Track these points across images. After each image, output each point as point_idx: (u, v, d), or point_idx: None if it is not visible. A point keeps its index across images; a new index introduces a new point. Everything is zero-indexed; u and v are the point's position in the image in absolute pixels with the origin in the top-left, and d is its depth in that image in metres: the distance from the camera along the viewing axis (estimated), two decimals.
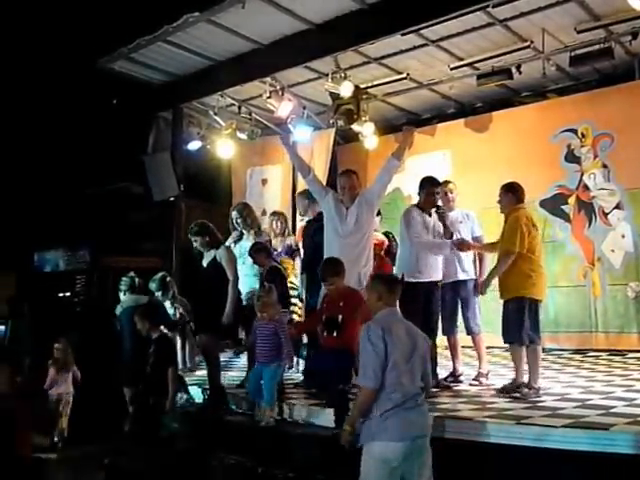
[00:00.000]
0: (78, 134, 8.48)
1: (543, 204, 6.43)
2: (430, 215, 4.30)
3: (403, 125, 5.16)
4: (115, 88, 7.07)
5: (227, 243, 4.93)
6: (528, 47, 5.78)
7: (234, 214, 5.01)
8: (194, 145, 7.28)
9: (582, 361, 5.44)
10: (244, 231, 4.96)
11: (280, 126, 6.99)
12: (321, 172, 7.26)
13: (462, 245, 4.20)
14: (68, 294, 7.79)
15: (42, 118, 8.46)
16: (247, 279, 4.72)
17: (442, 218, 4.28)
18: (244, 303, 4.62)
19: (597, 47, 5.54)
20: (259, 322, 3.91)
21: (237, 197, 7.80)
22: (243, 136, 7.40)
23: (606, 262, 5.99)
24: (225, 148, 7.24)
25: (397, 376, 2.49)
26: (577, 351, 5.87)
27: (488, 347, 5.07)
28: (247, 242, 4.89)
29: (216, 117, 7.14)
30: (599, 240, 6.06)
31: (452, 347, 4.46)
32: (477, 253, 4.53)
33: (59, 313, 7.59)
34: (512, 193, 4.01)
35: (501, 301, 3.97)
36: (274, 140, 7.74)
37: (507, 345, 4.01)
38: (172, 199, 7.02)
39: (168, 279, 5.20)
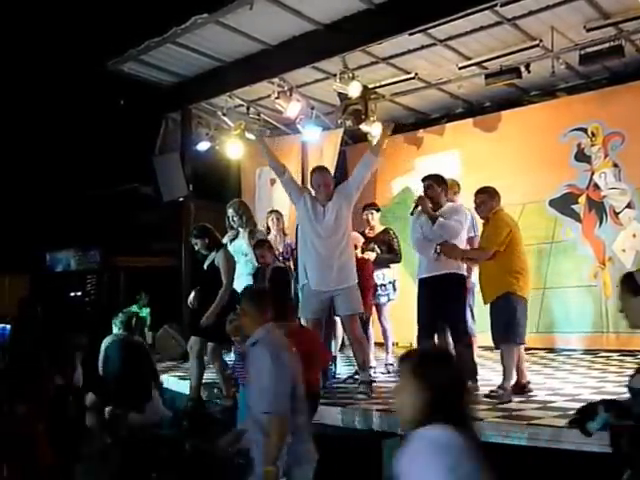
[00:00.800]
0: (88, 136, 8.56)
1: (552, 204, 6.40)
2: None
3: (383, 122, 5.14)
4: (124, 90, 7.14)
5: (224, 241, 4.93)
6: (537, 46, 5.73)
7: (230, 212, 5.00)
8: (203, 146, 7.32)
9: (593, 361, 5.40)
10: (240, 229, 4.96)
11: (289, 126, 6.99)
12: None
13: (445, 249, 4.01)
14: (79, 293, 7.88)
15: (53, 121, 8.55)
16: (242, 278, 4.73)
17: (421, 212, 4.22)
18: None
19: (607, 45, 5.48)
20: (235, 345, 3.76)
21: (246, 197, 7.82)
22: (252, 136, 7.41)
23: (617, 262, 5.94)
24: (234, 148, 7.26)
25: (300, 393, 2.43)
26: (588, 351, 5.83)
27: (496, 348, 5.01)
28: (242, 240, 4.91)
29: (225, 118, 7.16)
30: (610, 240, 6.02)
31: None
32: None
33: (70, 312, 7.67)
34: (493, 197, 4.02)
35: None
36: (283, 141, 7.78)
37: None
38: (181, 199, 7.06)
39: (134, 320, 4.94)
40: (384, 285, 4.95)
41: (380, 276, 4.93)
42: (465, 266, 4.25)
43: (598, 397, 3.64)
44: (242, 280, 4.76)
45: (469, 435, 1.45)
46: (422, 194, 4.24)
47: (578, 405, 3.41)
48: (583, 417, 2.22)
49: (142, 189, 7.95)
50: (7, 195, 8.79)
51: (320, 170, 4.13)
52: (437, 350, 1.90)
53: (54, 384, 2.48)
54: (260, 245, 4.63)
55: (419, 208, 4.20)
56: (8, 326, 4.84)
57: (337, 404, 3.78)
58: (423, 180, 4.36)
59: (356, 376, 4.40)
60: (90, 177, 8.55)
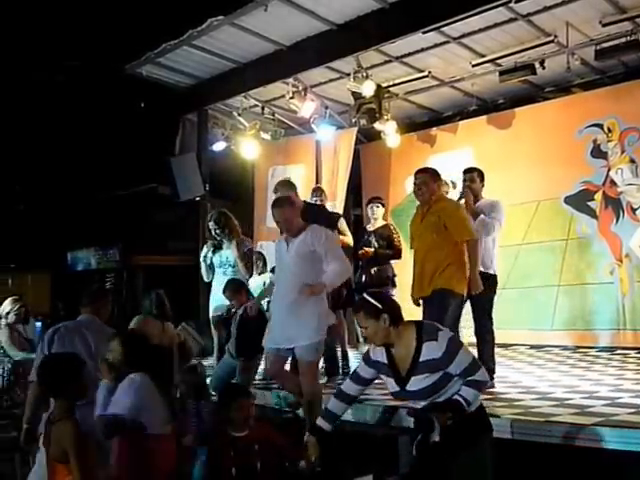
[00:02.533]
0: (107, 138, 8.70)
1: (568, 200, 6.37)
2: None
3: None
4: (142, 92, 7.26)
5: (202, 254, 4.80)
6: (552, 42, 5.71)
7: (211, 225, 4.70)
8: (219, 146, 7.43)
9: (610, 359, 5.38)
10: (224, 240, 4.69)
11: (304, 125, 7.02)
12: (344, 171, 7.34)
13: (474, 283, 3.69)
14: None
15: (73, 123, 8.71)
16: None
17: None
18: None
19: (623, 40, 5.45)
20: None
21: (258, 195, 7.94)
22: (267, 136, 7.50)
23: (634, 258, 5.90)
24: (249, 148, 7.36)
25: None
26: (604, 349, 5.81)
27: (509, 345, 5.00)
28: (228, 250, 4.68)
29: (240, 118, 7.25)
30: (627, 236, 5.98)
31: None
32: None
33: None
34: (435, 179, 3.69)
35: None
36: (297, 140, 7.86)
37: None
38: (198, 199, 7.17)
39: None
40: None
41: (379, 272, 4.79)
42: (496, 265, 4.11)
43: (616, 395, 3.68)
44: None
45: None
46: (468, 187, 4.10)
47: (596, 402, 3.47)
48: (426, 433, 2.23)
49: (160, 189, 8.07)
50: (29, 196, 9.01)
51: (278, 205, 3.45)
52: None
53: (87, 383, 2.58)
54: (228, 287, 4.32)
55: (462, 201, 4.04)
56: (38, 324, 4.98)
57: None
58: (467, 172, 4.21)
59: None
60: (109, 178, 8.72)
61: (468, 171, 4.27)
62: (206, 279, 4.87)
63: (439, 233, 3.58)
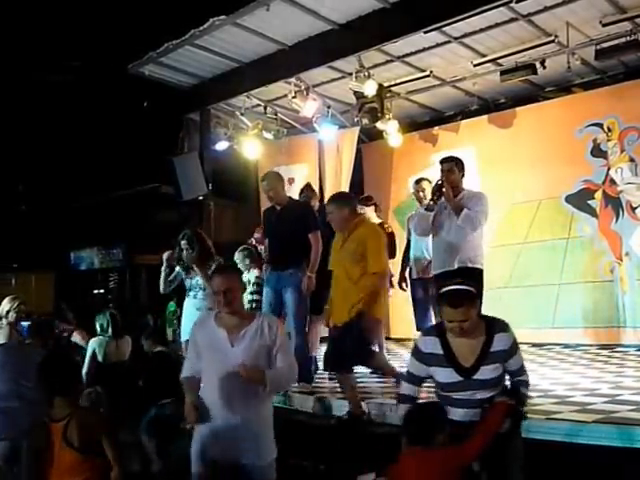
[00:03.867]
0: (110, 138, 8.73)
1: (569, 200, 6.41)
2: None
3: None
4: (145, 92, 7.28)
5: (163, 266, 4.46)
6: (552, 42, 5.73)
7: (183, 243, 4.37)
8: (221, 145, 7.46)
9: (610, 356, 5.43)
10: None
11: (306, 125, 7.04)
12: (347, 170, 7.38)
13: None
14: (102, 291, 8.05)
15: (76, 123, 8.74)
16: (199, 313, 4.14)
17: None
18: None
19: (623, 40, 5.47)
20: None
21: (262, 196, 7.94)
22: (269, 136, 7.53)
23: (634, 257, 5.94)
24: (252, 148, 7.40)
25: None
26: (605, 346, 5.85)
27: None
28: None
29: (242, 118, 7.28)
30: (627, 235, 6.02)
31: None
32: None
33: (93, 310, 7.87)
34: (345, 205, 3.51)
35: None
36: (300, 139, 7.89)
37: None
38: (201, 198, 7.20)
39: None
40: None
41: None
42: (482, 260, 3.98)
43: (617, 392, 3.72)
44: (195, 314, 4.10)
45: None
46: (442, 180, 3.88)
47: (596, 400, 3.51)
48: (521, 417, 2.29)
49: (162, 189, 8.10)
50: (32, 195, 9.04)
51: (221, 272, 2.65)
52: None
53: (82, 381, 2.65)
54: (143, 333, 4.32)
55: (442, 198, 3.86)
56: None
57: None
58: (443, 162, 3.96)
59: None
60: (112, 178, 8.75)
61: (446, 161, 3.98)
62: (162, 290, 4.56)
63: (357, 263, 3.42)
